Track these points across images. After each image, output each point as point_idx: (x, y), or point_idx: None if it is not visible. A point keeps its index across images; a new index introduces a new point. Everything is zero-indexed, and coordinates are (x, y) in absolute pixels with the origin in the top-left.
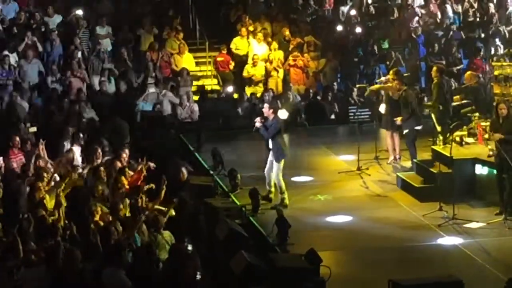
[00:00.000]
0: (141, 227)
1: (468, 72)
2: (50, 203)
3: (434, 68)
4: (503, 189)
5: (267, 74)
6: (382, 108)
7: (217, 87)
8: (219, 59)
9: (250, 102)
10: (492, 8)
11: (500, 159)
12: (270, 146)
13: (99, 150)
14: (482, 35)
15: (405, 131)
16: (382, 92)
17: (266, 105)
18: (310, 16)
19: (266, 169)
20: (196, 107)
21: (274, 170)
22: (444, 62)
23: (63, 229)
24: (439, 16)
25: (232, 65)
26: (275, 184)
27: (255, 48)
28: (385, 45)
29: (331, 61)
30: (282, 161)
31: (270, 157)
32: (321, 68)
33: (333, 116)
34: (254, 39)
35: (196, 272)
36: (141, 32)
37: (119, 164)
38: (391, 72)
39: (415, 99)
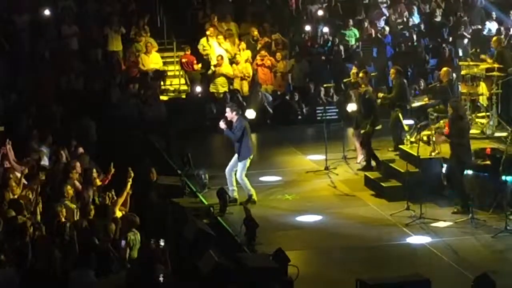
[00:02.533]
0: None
1: (445, 69)
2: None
3: (392, 70)
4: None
5: (234, 75)
6: (350, 107)
7: (185, 87)
8: (183, 60)
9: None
10: (459, 8)
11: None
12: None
13: (63, 151)
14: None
15: (362, 131)
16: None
17: (228, 109)
18: (278, 15)
19: (227, 169)
20: (163, 107)
21: (238, 170)
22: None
23: (33, 229)
24: (407, 16)
25: (198, 65)
26: (237, 182)
27: (217, 49)
28: (352, 43)
29: (300, 61)
30: (248, 161)
31: (235, 157)
32: (290, 68)
33: (301, 116)
34: (215, 40)
35: (167, 269)
36: (108, 32)
37: (78, 165)
38: (361, 72)
39: (376, 100)
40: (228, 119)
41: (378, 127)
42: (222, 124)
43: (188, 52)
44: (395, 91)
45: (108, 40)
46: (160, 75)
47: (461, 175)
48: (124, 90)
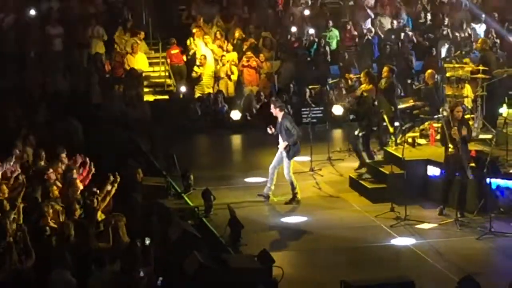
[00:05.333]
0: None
1: (429, 71)
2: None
3: (385, 68)
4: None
5: (219, 75)
6: (335, 109)
7: (171, 88)
8: (172, 51)
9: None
10: (444, 10)
11: (454, 159)
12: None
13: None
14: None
15: (356, 132)
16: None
17: (272, 105)
18: (263, 17)
19: (271, 165)
20: (147, 108)
21: (285, 167)
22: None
23: (16, 230)
24: (393, 18)
25: (185, 57)
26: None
27: (203, 49)
28: (333, 45)
29: (286, 62)
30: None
31: (279, 153)
32: (276, 69)
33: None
34: (201, 41)
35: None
36: (90, 34)
37: (59, 165)
38: (362, 73)
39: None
40: (274, 114)
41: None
42: (270, 130)
43: (175, 45)
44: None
45: (91, 41)
46: (139, 75)
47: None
48: (108, 91)
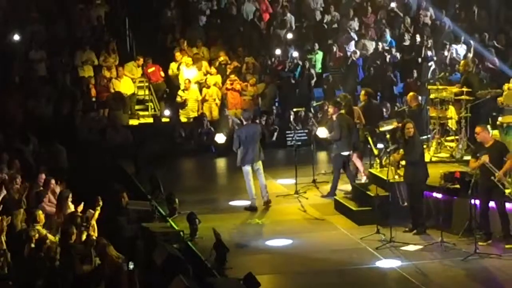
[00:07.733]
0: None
1: (411, 93)
2: None
3: (362, 92)
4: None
5: (203, 99)
6: (320, 131)
7: (154, 111)
8: (149, 70)
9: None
10: (428, 32)
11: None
12: None
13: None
14: (419, 60)
15: (332, 154)
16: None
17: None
18: (247, 40)
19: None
20: (129, 132)
21: None
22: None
23: None
24: (376, 40)
25: (163, 73)
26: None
27: (185, 73)
28: (318, 68)
29: (269, 85)
30: (247, 167)
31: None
32: (260, 92)
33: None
34: (183, 65)
35: None
36: (79, 58)
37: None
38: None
39: (347, 125)
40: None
41: (346, 153)
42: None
43: (151, 62)
44: (364, 115)
45: (78, 66)
46: (122, 98)
47: (419, 194)
48: (93, 115)
